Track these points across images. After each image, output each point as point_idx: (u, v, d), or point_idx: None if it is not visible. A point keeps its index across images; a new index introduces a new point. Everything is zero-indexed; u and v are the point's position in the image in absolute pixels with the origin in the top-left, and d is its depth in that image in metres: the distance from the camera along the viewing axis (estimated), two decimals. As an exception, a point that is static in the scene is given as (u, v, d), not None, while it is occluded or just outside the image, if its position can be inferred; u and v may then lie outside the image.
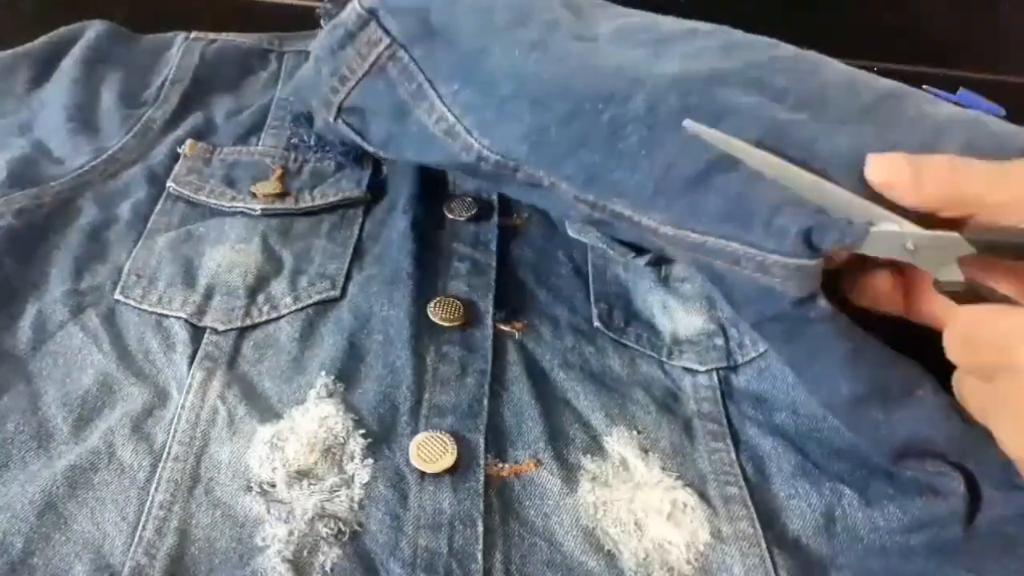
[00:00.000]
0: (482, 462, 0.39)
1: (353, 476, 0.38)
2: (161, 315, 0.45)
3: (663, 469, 0.40)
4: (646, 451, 0.40)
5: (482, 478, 0.39)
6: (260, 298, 0.46)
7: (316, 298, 0.46)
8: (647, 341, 0.45)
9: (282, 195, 0.51)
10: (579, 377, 0.43)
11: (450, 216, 0.51)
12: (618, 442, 0.41)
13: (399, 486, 0.38)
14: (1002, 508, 0.36)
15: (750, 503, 0.38)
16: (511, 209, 0.53)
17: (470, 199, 0.52)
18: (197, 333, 0.44)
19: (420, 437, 0.39)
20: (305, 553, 0.36)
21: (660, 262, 0.47)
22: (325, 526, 0.36)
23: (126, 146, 0.53)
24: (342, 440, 0.39)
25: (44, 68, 0.57)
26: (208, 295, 0.46)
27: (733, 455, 0.40)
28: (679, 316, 0.46)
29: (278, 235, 0.50)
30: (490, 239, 0.50)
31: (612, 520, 0.38)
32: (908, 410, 0.35)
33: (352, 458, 0.39)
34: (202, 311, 0.45)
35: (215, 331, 0.44)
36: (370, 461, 0.39)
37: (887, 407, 0.35)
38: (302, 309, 0.46)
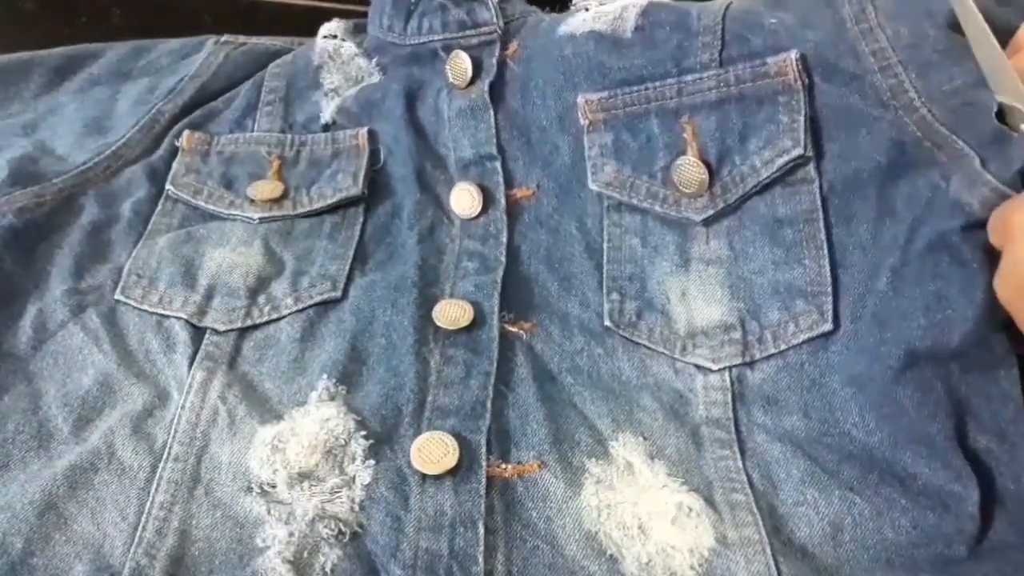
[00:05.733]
0: (484, 463, 0.39)
1: (354, 477, 0.38)
2: (162, 315, 0.45)
3: (669, 475, 0.39)
4: (652, 457, 0.40)
5: (484, 479, 0.38)
6: (261, 299, 0.46)
7: (317, 299, 0.46)
8: (659, 336, 0.44)
9: (280, 200, 0.50)
10: (587, 381, 0.43)
11: (458, 213, 0.49)
12: (624, 447, 0.40)
13: (400, 487, 0.38)
14: (1011, 535, 0.36)
15: (755, 510, 0.38)
16: (515, 182, 0.50)
17: (474, 186, 0.49)
18: (197, 333, 0.44)
19: (421, 438, 0.39)
20: (305, 554, 0.36)
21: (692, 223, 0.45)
22: (326, 527, 0.36)
23: (131, 140, 0.52)
24: (343, 441, 0.39)
25: (55, 77, 0.57)
26: (209, 295, 0.46)
27: (739, 463, 0.39)
28: (698, 304, 0.44)
29: (279, 236, 0.49)
30: (500, 229, 0.48)
31: (616, 524, 0.37)
32: (985, 381, 0.37)
33: (353, 459, 0.39)
34: (203, 311, 0.45)
35: (216, 331, 0.44)
36: (371, 462, 0.39)
37: (967, 370, 0.37)
38: (303, 310, 0.45)
